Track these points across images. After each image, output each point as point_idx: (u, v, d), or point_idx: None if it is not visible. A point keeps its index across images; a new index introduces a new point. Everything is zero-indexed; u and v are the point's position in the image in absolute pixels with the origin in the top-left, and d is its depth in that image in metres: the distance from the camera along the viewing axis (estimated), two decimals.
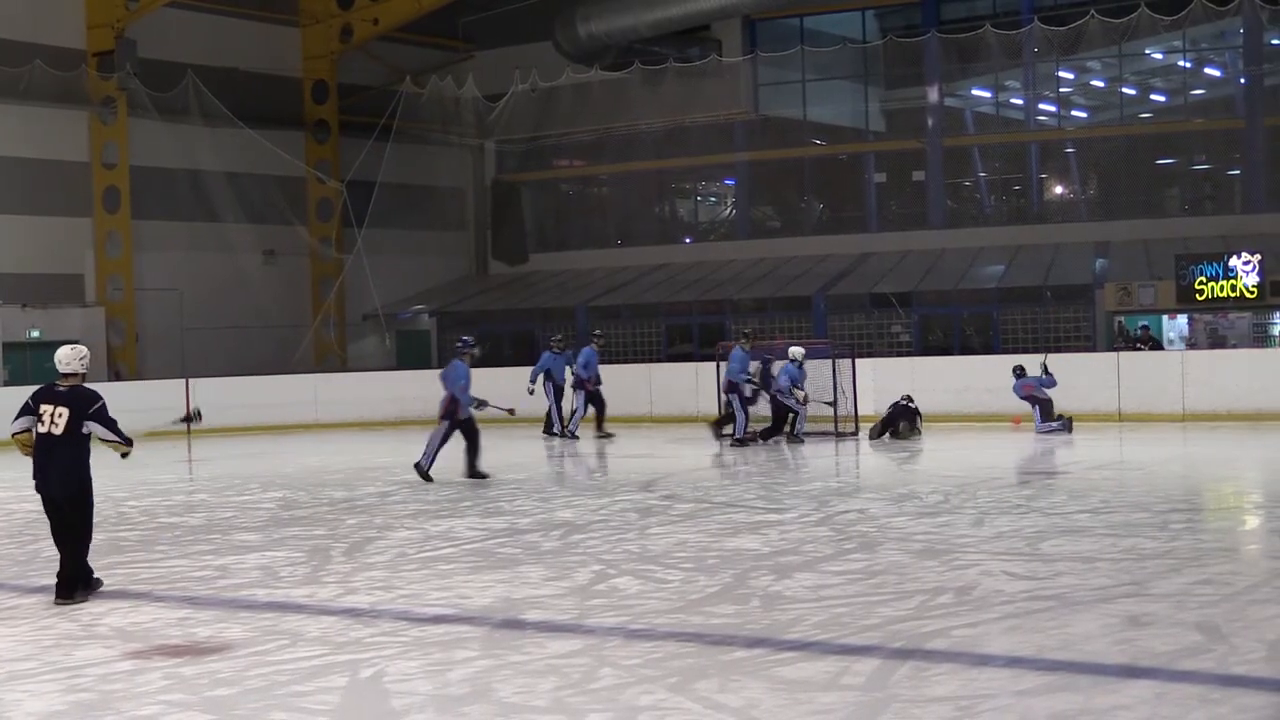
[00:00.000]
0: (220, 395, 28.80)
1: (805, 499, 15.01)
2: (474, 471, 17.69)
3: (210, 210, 33.33)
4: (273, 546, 12.60)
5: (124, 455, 10.47)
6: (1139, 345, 26.88)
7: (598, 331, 27.86)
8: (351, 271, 35.12)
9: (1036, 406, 22.93)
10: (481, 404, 17.83)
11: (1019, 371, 23.30)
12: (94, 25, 31.86)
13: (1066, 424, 22.73)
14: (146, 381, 30.23)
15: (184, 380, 28.92)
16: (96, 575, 10.50)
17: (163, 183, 32.86)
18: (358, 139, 35.54)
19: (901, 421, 22.88)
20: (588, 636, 8.45)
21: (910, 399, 23.23)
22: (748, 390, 22.81)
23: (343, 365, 35.23)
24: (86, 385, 10.38)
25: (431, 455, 17.77)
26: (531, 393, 24.37)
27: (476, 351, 18.92)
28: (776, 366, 23.44)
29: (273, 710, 7.03)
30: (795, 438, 22.59)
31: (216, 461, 22.73)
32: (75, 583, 10.19)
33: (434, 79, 36.48)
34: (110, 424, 10.25)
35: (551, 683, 7.35)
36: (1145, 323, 28.36)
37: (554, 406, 25.02)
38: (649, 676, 7.43)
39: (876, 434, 22.81)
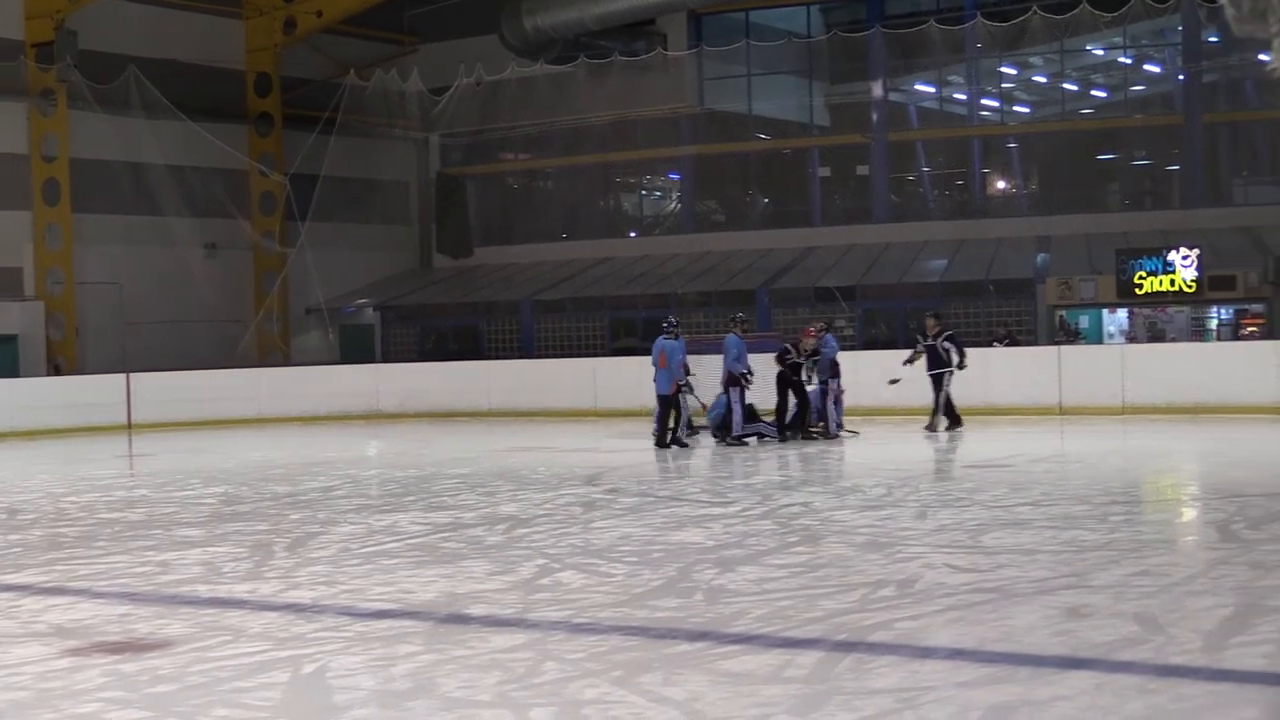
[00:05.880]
0: (161, 390, 28.62)
1: (748, 492, 15.05)
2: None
3: (152, 203, 33.05)
4: (215, 542, 12.50)
5: None
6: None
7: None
8: (294, 265, 34.92)
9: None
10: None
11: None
12: (33, 16, 31.51)
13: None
14: (86, 376, 29.98)
15: (124, 375, 28.67)
16: None
17: (103, 175, 32.54)
18: (301, 132, 35.34)
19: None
20: (532, 631, 8.43)
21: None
22: (745, 382, 20.55)
23: (286, 360, 35.02)
24: None
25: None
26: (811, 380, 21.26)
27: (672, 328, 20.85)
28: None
29: (214, 707, 6.97)
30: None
31: (158, 456, 22.53)
32: None
33: (378, 72, 36.33)
34: None
35: (495, 677, 7.33)
36: (1063, 314, 29.15)
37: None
38: (593, 670, 7.42)
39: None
